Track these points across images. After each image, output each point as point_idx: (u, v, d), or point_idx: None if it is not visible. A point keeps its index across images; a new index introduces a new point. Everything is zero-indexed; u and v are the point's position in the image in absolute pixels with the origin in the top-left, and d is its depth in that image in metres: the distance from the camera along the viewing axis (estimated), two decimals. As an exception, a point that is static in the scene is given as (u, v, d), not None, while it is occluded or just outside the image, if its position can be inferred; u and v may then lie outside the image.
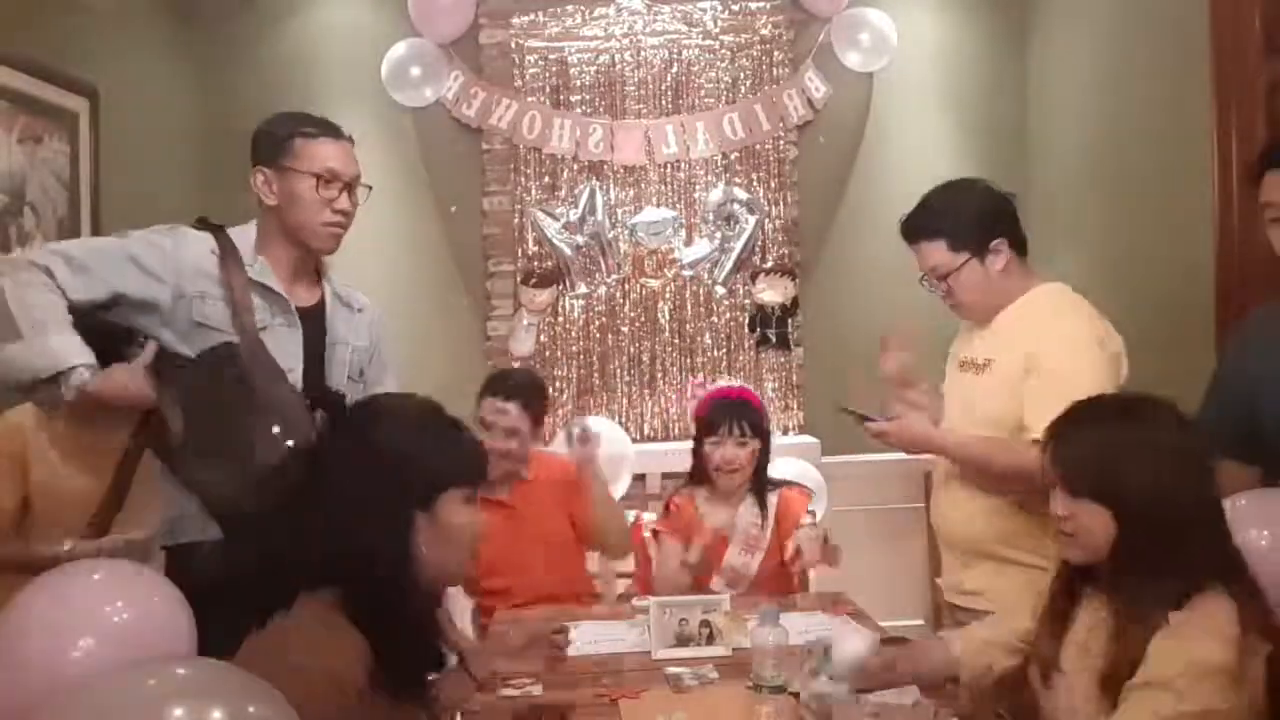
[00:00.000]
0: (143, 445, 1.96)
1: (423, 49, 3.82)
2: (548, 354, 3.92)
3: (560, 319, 3.93)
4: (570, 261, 3.87)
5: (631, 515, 2.97)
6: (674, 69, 3.94)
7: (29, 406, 2.16)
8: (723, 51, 3.95)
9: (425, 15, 3.80)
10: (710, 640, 2.05)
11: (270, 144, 1.98)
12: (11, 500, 2.12)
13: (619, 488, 3.51)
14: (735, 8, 3.95)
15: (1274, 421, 1.82)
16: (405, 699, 1.38)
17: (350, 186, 2.00)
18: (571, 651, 1.98)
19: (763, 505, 2.58)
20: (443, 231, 3.96)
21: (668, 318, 3.96)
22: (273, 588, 1.35)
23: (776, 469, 2.84)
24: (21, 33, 2.76)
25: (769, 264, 3.92)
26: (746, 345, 3.94)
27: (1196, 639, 1.37)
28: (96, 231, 2.98)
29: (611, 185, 3.92)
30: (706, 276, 3.91)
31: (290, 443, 1.82)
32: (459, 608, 2.67)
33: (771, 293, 3.93)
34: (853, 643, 1.72)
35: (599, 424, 3.67)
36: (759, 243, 3.90)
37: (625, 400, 3.95)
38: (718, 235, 3.88)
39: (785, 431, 3.87)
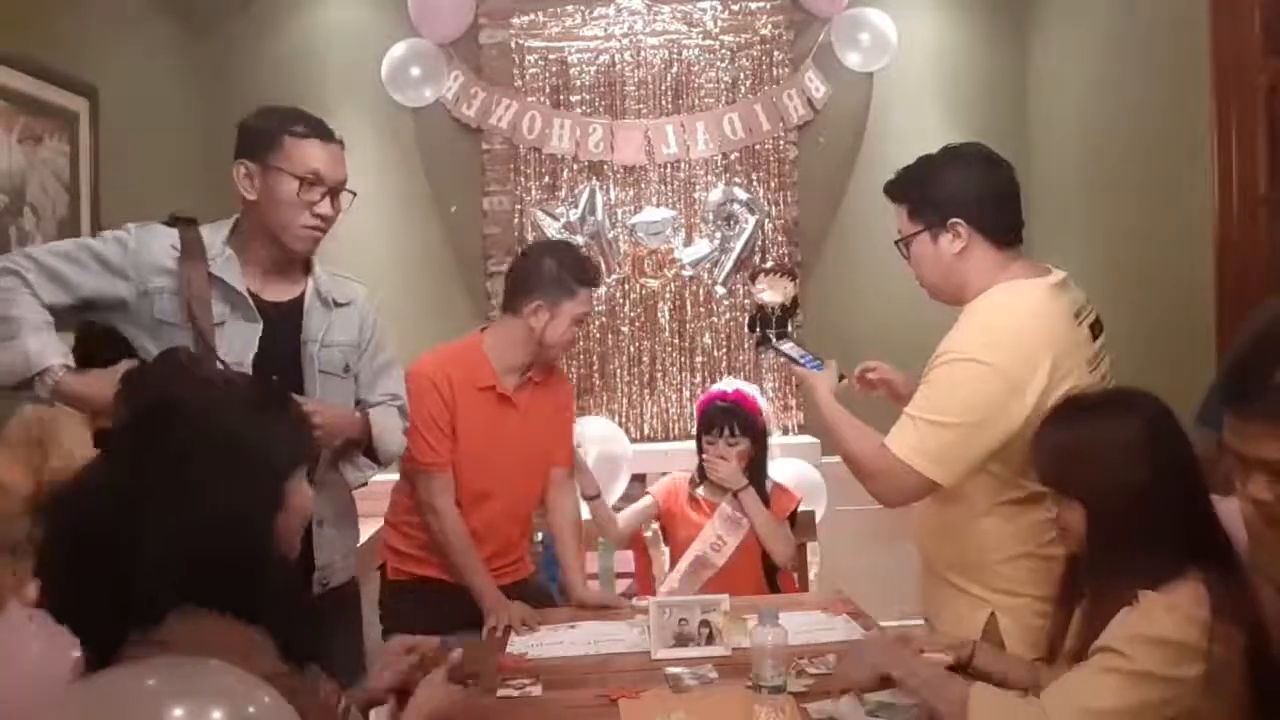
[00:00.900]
0: None
1: (422, 49, 3.82)
2: (547, 354, 3.92)
3: (560, 319, 3.93)
4: (570, 261, 3.88)
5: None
6: (674, 69, 3.95)
7: None
8: (723, 51, 3.95)
9: (425, 15, 3.80)
10: (710, 640, 2.05)
11: (256, 139, 1.92)
12: (26, 485, 2.17)
13: (617, 487, 3.51)
14: (735, 8, 3.95)
15: None
16: (304, 661, 1.35)
17: (334, 191, 1.95)
18: (573, 651, 1.95)
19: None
20: (443, 231, 3.96)
21: (667, 318, 3.97)
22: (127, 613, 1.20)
23: (776, 468, 2.85)
24: (21, 33, 2.76)
25: (769, 264, 3.92)
26: (746, 345, 3.94)
27: (1154, 614, 1.41)
28: (96, 231, 2.98)
29: (611, 185, 3.92)
30: (706, 276, 3.91)
31: None
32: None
33: (771, 293, 3.92)
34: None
35: (598, 424, 3.68)
36: (759, 243, 3.90)
37: (625, 400, 3.95)
38: (718, 235, 3.88)
39: (785, 431, 3.87)
